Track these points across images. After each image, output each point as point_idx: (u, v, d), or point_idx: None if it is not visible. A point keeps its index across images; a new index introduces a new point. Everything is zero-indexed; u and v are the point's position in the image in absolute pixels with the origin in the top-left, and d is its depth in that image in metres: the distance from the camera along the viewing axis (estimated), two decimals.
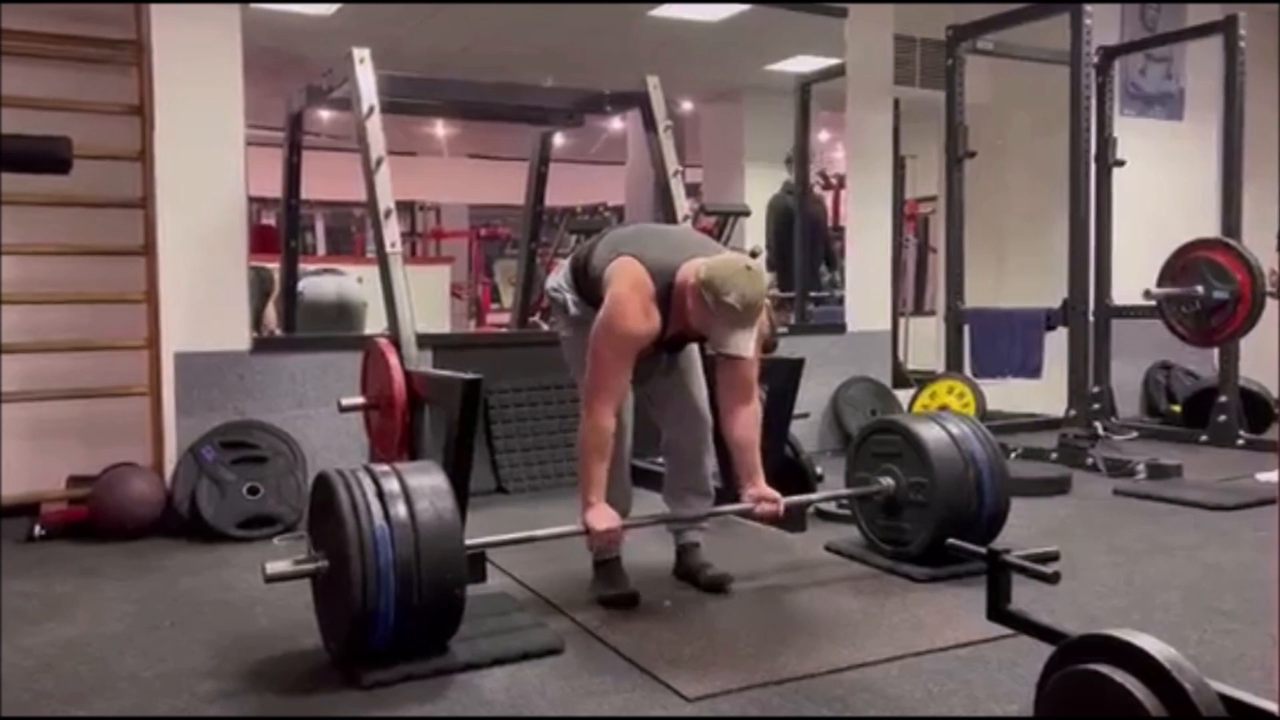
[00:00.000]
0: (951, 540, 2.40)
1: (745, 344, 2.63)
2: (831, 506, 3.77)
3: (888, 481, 3.20)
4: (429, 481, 2.39)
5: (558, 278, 2.99)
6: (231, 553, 3.54)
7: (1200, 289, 4.80)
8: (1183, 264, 4.90)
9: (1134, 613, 2.78)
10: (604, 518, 2.68)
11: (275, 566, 2.37)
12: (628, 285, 2.66)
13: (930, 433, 3.15)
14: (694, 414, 3.03)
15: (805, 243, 6.22)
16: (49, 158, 3.36)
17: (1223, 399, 5.34)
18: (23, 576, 3.23)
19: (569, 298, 2.90)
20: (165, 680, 2.38)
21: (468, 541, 2.45)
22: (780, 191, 6.57)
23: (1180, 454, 4.82)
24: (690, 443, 3.04)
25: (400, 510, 2.29)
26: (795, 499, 3.09)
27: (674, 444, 3.07)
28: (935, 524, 3.04)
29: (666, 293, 2.69)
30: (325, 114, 5.20)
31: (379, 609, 2.23)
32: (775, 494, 2.84)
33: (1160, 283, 4.94)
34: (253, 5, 4.22)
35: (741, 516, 3.09)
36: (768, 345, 3.71)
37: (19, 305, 3.83)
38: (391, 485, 2.34)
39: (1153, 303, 4.96)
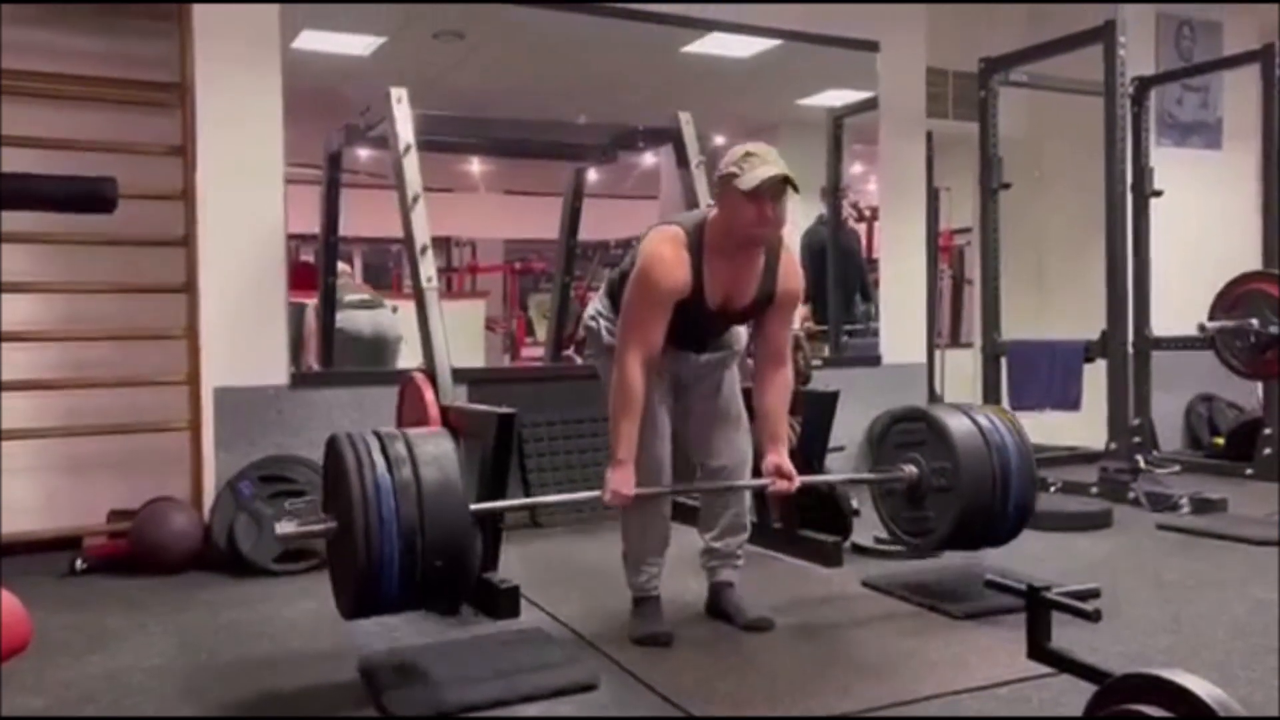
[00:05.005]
0: (989, 576, 2.36)
1: (779, 166, 2.64)
2: (869, 541, 3.75)
3: (910, 469, 3.14)
4: (434, 448, 2.39)
5: (594, 305, 3.02)
6: (269, 586, 3.56)
7: (1255, 322, 4.73)
8: (1235, 297, 4.85)
9: (1179, 651, 2.72)
10: (624, 481, 2.67)
11: (284, 528, 2.39)
12: (658, 240, 2.74)
13: (955, 420, 3.10)
14: (735, 446, 2.98)
15: (839, 275, 6.21)
16: (95, 198, 3.42)
17: (1268, 431, 5.24)
18: (66, 609, 3.26)
19: (604, 325, 2.93)
20: (205, 712, 2.39)
21: (473, 506, 2.46)
22: (814, 224, 6.56)
23: (1225, 488, 4.73)
24: (733, 466, 2.98)
25: (405, 471, 2.29)
26: (811, 479, 3.09)
27: (716, 473, 3.00)
28: (959, 511, 3.00)
29: (699, 238, 2.73)
30: (363, 152, 5.28)
31: (384, 558, 2.22)
32: (791, 469, 2.83)
33: (1212, 315, 4.88)
34: (293, 46, 4.31)
35: (756, 494, 3.03)
36: (803, 377, 3.70)
37: (64, 342, 3.91)
38: (398, 448, 2.34)
39: (1204, 335, 4.89)
